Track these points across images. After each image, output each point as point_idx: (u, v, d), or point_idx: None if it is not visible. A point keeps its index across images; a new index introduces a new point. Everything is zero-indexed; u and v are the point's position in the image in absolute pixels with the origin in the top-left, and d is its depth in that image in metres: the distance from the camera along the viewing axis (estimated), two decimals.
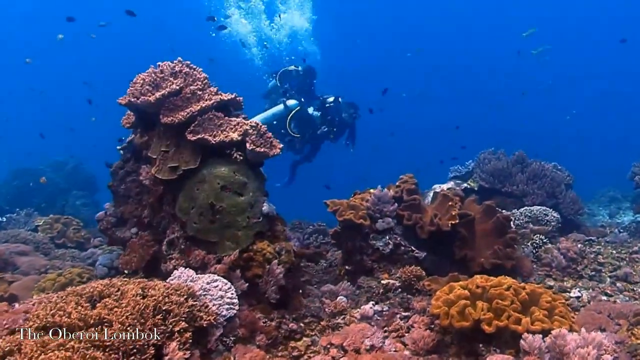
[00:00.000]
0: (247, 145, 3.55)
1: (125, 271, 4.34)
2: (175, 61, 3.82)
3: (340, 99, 7.78)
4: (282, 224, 3.86)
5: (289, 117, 7.58)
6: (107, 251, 5.78)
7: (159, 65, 3.82)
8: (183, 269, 3.55)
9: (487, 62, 23.68)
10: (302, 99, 7.65)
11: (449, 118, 22.16)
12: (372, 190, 4.50)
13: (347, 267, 4.28)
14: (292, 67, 8.26)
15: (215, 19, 8.55)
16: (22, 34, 23.57)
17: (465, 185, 6.04)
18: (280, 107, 7.70)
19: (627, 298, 4.27)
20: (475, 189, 5.98)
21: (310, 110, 7.64)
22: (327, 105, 7.65)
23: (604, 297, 4.28)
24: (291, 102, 7.70)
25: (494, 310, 3.15)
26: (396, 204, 4.38)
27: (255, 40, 12.03)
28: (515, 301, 3.18)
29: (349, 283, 4.14)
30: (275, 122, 7.70)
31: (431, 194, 5.47)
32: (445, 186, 5.86)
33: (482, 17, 24.27)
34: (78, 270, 4.85)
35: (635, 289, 4.44)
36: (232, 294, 3.40)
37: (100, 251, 5.91)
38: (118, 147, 4.67)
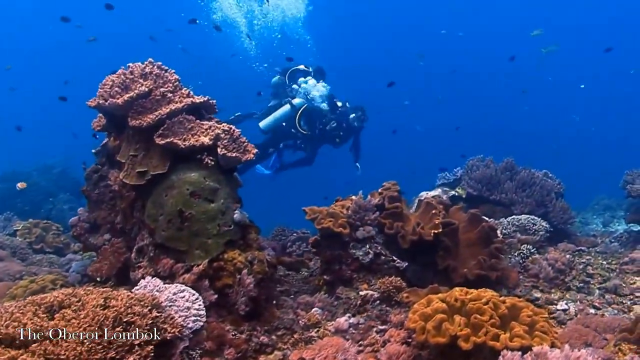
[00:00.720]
0: (219, 149, 3.41)
1: (98, 279, 4.21)
2: (146, 62, 3.68)
3: (347, 104, 7.68)
4: (256, 232, 3.72)
5: (297, 115, 7.45)
6: (87, 257, 5.64)
7: (129, 66, 3.68)
8: (150, 278, 3.42)
9: (486, 63, 23.54)
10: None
11: (448, 119, 22.03)
12: (353, 197, 4.36)
13: (325, 277, 4.13)
14: (302, 67, 8.11)
15: (197, 21, 8.43)
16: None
17: (453, 192, 5.91)
18: (287, 107, 7.59)
19: (616, 311, 4.12)
20: (464, 196, 5.84)
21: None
22: (337, 108, 7.56)
23: (592, 310, 4.13)
24: (297, 101, 7.58)
25: (472, 326, 3.00)
26: (377, 212, 4.24)
27: (247, 31, 11.88)
28: (494, 316, 3.03)
29: (325, 294, 3.99)
30: (284, 124, 7.60)
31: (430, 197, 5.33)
32: (432, 193, 5.73)
33: (480, 17, 24.08)
34: (52, 277, 4.70)
35: (624, 301, 4.29)
36: (199, 305, 3.26)
37: (79, 257, 5.77)
38: (93, 151, 4.54)
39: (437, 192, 5.92)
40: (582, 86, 18.80)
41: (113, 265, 4.11)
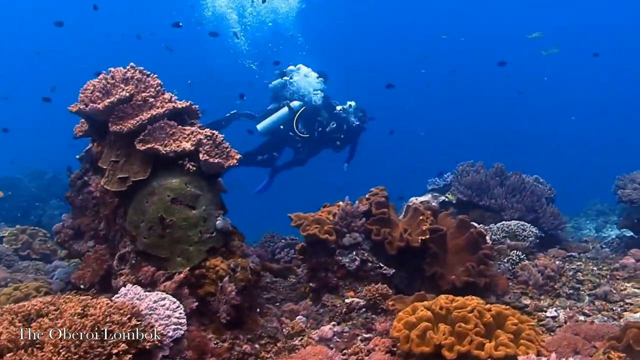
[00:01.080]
0: (200, 155, 3.36)
1: (82, 286, 4.15)
2: (127, 67, 3.63)
3: (349, 105, 7.61)
4: (240, 239, 3.66)
5: (295, 118, 7.40)
6: (73, 264, 5.58)
7: (110, 70, 3.64)
8: (130, 286, 3.35)
9: (484, 64, 23.42)
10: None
11: (447, 121, 21.99)
12: (341, 203, 4.31)
13: (311, 284, 4.07)
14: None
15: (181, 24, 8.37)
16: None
17: (443, 198, 5.86)
18: (285, 110, 7.53)
19: (606, 318, 4.07)
20: (454, 202, 5.80)
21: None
22: (334, 108, 7.51)
23: (582, 317, 4.08)
24: (295, 104, 7.52)
25: (456, 334, 2.95)
26: (364, 218, 4.19)
27: (239, 29, 11.78)
28: (479, 324, 2.98)
29: (311, 302, 3.94)
30: (282, 127, 7.53)
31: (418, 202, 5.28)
32: (422, 199, 5.68)
33: (479, 17, 23.99)
34: (36, 284, 4.63)
35: (614, 308, 4.25)
36: (180, 313, 3.20)
37: (66, 264, 5.70)
38: (77, 156, 4.49)
39: (427, 197, 5.88)
40: (573, 118, 18.87)
41: (96, 272, 4.06)
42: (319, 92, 7.61)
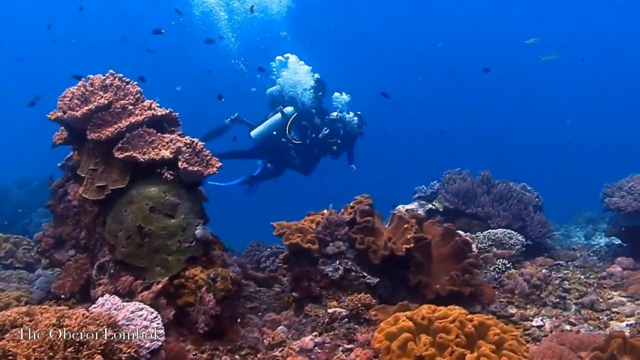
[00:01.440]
0: (179, 163, 3.32)
1: (62, 296, 4.09)
2: (107, 74, 3.59)
3: (342, 112, 7.56)
4: (220, 248, 3.62)
5: (287, 124, 7.35)
6: (57, 273, 5.51)
7: (89, 77, 3.59)
8: (108, 296, 3.30)
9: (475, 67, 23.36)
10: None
11: (441, 125, 21.90)
12: (325, 212, 4.26)
13: (294, 294, 4.02)
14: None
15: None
16: None
17: (430, 206, 5.82)
18: (278, 116, 7.48)
19: (592, 327, 4.03)
20: (441, 210, 5.76)
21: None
22: (331, 118, 7.47)
23: (568, 327, 4.04)
24: (289, 109, 7.47)
25: (437, 345, 2.91)
26: (347, 227, 4.15)
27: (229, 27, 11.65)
28: (460, 335, 2.94)
29: (293, 312, 3.89)
30: (275, 133, 7.48)
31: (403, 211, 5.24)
32: (409, 207, 5.64)
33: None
34: (17, 294, 4.56)
35: (600, 317, 4.21)
36: (158, 323, 3.14)
37: (49, 273, 5.63)
38: (59, 164, 4.43)
39: (414, 205, 5.84)
40: (568, 122, 18.87)
41: (76, 282, 4.00)
42: (309, 91, 7.57)
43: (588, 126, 23.31)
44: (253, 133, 7.52)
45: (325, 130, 7.37)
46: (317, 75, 7.80)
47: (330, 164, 8.13)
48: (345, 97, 7.76)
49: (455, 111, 24.33)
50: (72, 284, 4.00)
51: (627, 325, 4.04)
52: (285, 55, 7.95)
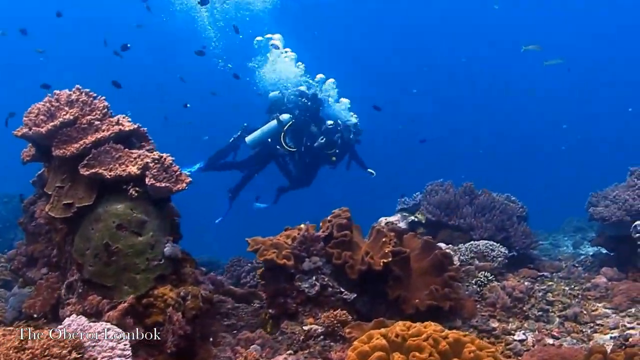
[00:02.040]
0: (147, 179, 3.23)
1: (35, 315, 4.00)
2: (73, 89, 3.52)
3: (339, 121, 7.52)
4: (192, 265, 3.53)
5: (283, 132, 7.31)
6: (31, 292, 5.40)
7: (55, 93, 3.52)
8: (75, 316, 3.21)
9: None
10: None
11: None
12: (302, 226, 4.19)
13: (270, 310, 3.93)
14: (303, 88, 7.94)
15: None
16: None
17: (412, 218, 5.74)
18: (274, 123, 7.44)
19: (575, 340, 3.96)
20: (423, 222, 5.68)
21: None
22: (326, 127, 7.41)
23: (550, 340, 3.97)
24: (284, 117, 7.43)
25: None
26: (323, 242, 4.07)
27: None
28: (433, 353, 2.86)
29: (269, 329, 3.80)
30: (270, 140, 7.46)
31: (382, 224, 5.16)
32: (391, 219, 5.57)
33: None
34: None
35: (584, 330, 4.14)
36: (124, 344, 3.05)
37: (27, 291, 5.52)
38: (31, 181, 4.35)
39: (397, 217, 5.77)
40: (565, 126, 18.85)
41: (47, 301, 3.92)
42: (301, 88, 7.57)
43: (580, 133, 23.29)
44: (248, 139, 7.50)
45: (322, 139, 7.31)
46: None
47: (329, 172, 8.10)
48: (344, 101, 7.73)
49: (443, 120, 24.23)
50: (42, 303, 3.92)
51: (610, 337, 3.96)
52: (273, 40, 7.90)
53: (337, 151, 7.48)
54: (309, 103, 7.52)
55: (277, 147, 7.42)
